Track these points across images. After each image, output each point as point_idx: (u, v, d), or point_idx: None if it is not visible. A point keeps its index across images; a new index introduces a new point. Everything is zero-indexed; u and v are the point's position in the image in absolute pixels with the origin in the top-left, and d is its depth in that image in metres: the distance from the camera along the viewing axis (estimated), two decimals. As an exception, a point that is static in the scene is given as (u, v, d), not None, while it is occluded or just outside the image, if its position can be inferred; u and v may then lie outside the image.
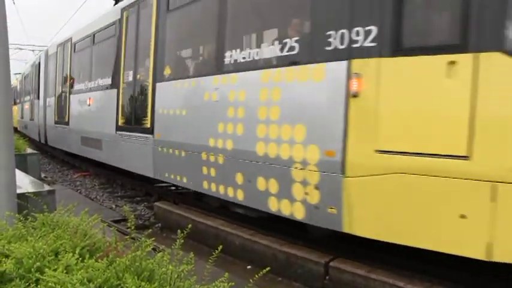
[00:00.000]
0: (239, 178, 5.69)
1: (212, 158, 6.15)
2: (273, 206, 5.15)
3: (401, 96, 3.93)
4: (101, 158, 10.64)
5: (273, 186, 5.13)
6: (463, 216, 3.58)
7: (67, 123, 13.01)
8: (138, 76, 8.52)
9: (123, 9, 9.30)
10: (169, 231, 6.85)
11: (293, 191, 4.86)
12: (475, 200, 3.51)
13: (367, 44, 4.07)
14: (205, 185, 6.35)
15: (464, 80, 3.53)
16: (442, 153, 3.65)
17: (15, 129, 19.68)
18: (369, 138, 4.09)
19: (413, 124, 3.84)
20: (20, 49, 38.27)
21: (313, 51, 4.64)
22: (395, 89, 3.95)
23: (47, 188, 5.63)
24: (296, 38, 4.87)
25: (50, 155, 17.46)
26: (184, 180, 6.95)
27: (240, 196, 5.72)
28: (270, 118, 5.12)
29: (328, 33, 4.42)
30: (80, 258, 2.59)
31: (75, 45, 12.68)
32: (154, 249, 2.96)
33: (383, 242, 4.19)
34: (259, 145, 5.27)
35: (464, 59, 3.53)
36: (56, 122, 14.35)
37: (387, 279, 4.14)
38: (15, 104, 25.57)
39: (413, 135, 3.84)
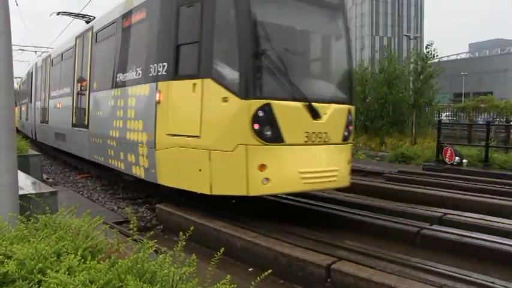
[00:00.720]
0: (122, 155, 8.73)
1: (111, 143, 9.22)
2: (135, 171, 8.14)
3: (176, 103, 6.75)
4: (65, 148, 14.00)
5: (133, 158, 8.09)
6: (200, 170, 6.23)
7: (47, 122, 16.36)
8: (83, 87, 11.69)
9: (76, 37, 12.70)
10: (171, 233, 6.83)
11: (140, 161, 7.80)
12: (203, 160, 6.14)
13: (163, 73, 6.93)
14: (109, 161, 9.47)
15: (199, 94, 6.16)
16: (190, 135, 6.31)
17: (16, 130, 20.18)
18: (164, 127, 6.91)
19: (180, 118, 6.64)
20: (23, 50, 38.46)
21: (145, 77, 7.58)
22: (174, 98, 6.76)
23: (49, 189, 5.63)
24: (140, 69, 7.88)
25: (52, 156, 17.48)
26: (102, 159, 10.05)
27: (122, 167, 8.84)
28: (131, 116, 8.17)
29: (150, 66, 7.32)
30: (82, 260, 2.58)
31: (52, 61, 16.12)
32: (156, 251, 2.95)
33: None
34: (128, 133, 8.26)
35: (198, 82, 6.21)
36: (41, 122, 17.60)
37: (389, 282, 4.13)
38: (15, 105, 26.21)
39: (180, 125, 6.59)
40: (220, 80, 5.99)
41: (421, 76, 23.48)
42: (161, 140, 6.94)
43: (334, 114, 6.45)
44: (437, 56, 23.70)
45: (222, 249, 2.57)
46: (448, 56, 54.00)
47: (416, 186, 9.84)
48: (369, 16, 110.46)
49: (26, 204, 3.87)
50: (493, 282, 4.47)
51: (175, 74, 6.68)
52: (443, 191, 9.07)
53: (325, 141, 6.29)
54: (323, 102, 6.32)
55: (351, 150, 7.20)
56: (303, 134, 6.05)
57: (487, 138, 14.12)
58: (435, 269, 4.79)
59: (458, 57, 60.59)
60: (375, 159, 18.63)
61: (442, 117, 25.43)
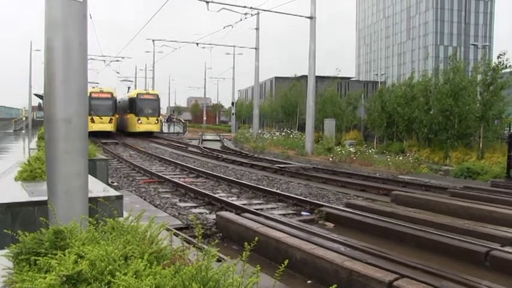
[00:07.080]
0: None
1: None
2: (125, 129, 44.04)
3: (128, 117, 43.61)
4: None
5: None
6: (131, 126, 42.90)
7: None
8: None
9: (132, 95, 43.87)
10: (230, 241, 6.89)
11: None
12: (133, 124, 42.95)
13: (129, 111, 44.55)
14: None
15: (131, 115, 43.17)
16: (133, 122, 43.01)
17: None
18: (129, 117, 45.12)
19: (129, 119, 44.40)
20: (93, 59, 42.22)
21: (127, 112, 45.51)
22: (128, 117, 44.28)
23: (115, 193, 5.80)
24: (127, 110, 46.84)
25: (117, 160, 18.22)
26: None
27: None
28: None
29: (127, 110, 45.45)
30: (148, 265, 2.65)
31: (120, 101, 46.40)
32: (218, 259, 2.97)
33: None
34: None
35: (131, 113, 43.13)
36: None
37: (456, 304, 3.96)
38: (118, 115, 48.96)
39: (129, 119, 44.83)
40: (133, 113, 41.30)
41: (491, 87, 22.37)
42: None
43: (152, 117, 41.62)
44: (509, 66, 22.51)
45: (286, 262, 2.54)
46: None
47: (484, 203, 9.34)
48: (433, 25, 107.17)
49: (94, 207, 4.02)
50: None
51: (130, 112, 42.19)
52: (514, 210, 8.56)
53: (148, 123, 41.37)
54: (149, 116, 41.40)
55: (159, 123, 44.02)
56: (146, 120, 41.11)
57: None
58: (506, 292, 4.57)
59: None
60: (439, 174, 17.93)
61: (513, 131, 24.06)
